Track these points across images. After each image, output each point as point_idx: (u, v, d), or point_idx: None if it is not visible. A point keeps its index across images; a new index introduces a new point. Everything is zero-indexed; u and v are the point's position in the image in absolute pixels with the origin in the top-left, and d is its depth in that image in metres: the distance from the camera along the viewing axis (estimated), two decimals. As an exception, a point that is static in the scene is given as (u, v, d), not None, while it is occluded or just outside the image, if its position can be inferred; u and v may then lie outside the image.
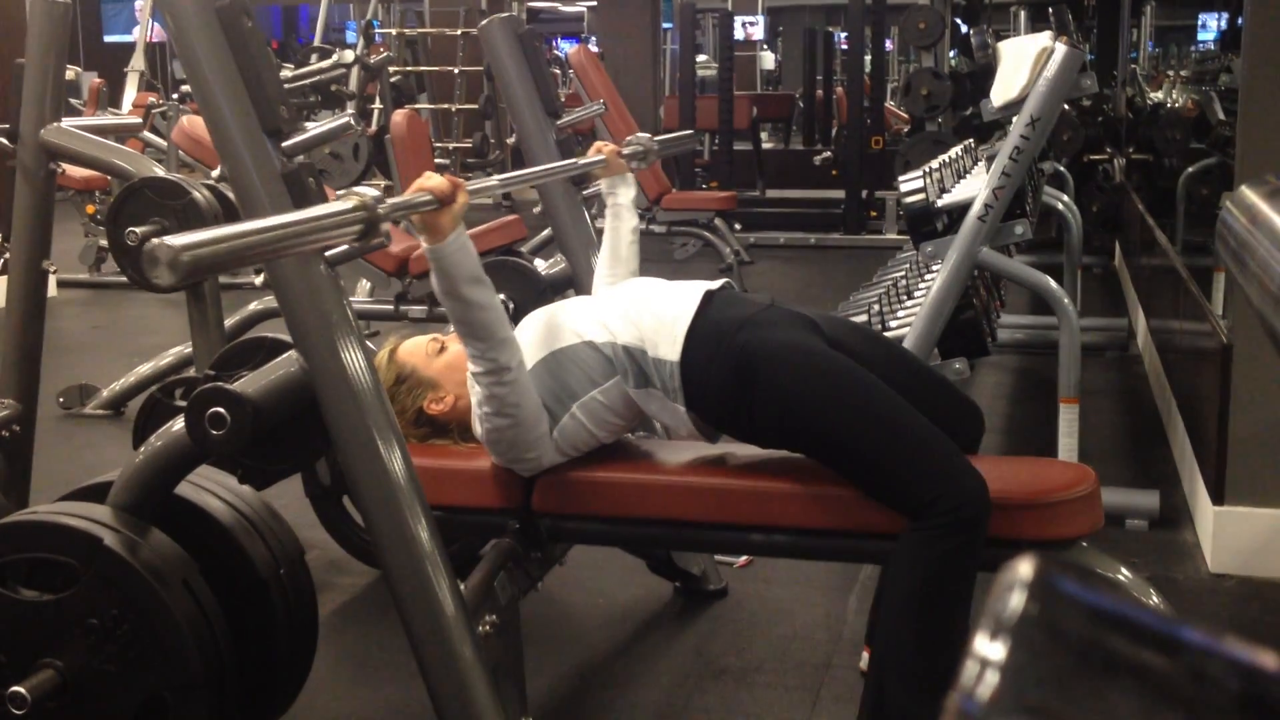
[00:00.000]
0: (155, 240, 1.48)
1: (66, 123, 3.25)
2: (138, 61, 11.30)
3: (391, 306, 5.25)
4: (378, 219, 1.77)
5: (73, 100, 10.53)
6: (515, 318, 2.45)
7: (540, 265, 4.75)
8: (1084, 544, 2.19)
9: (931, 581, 2.05)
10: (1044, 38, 3.74)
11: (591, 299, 2.42)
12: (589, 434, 2.31)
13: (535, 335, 2.32)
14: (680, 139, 3.57)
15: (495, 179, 2.33)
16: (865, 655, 2.71)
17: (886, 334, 3.32)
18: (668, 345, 2.24)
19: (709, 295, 2.32)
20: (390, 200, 1.85)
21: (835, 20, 18.59)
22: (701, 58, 15.65)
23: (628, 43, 11.90)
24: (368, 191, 1.78)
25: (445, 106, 11.59)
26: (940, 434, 2.12)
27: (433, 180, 2.03)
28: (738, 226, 8.77)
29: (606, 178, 2.81)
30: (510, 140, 11.26)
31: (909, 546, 2.07)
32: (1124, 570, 2.23)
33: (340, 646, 2.90)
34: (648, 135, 2.87)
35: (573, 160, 2.68)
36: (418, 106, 11.03)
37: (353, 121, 2.24)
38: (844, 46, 13.15)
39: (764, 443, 2.25)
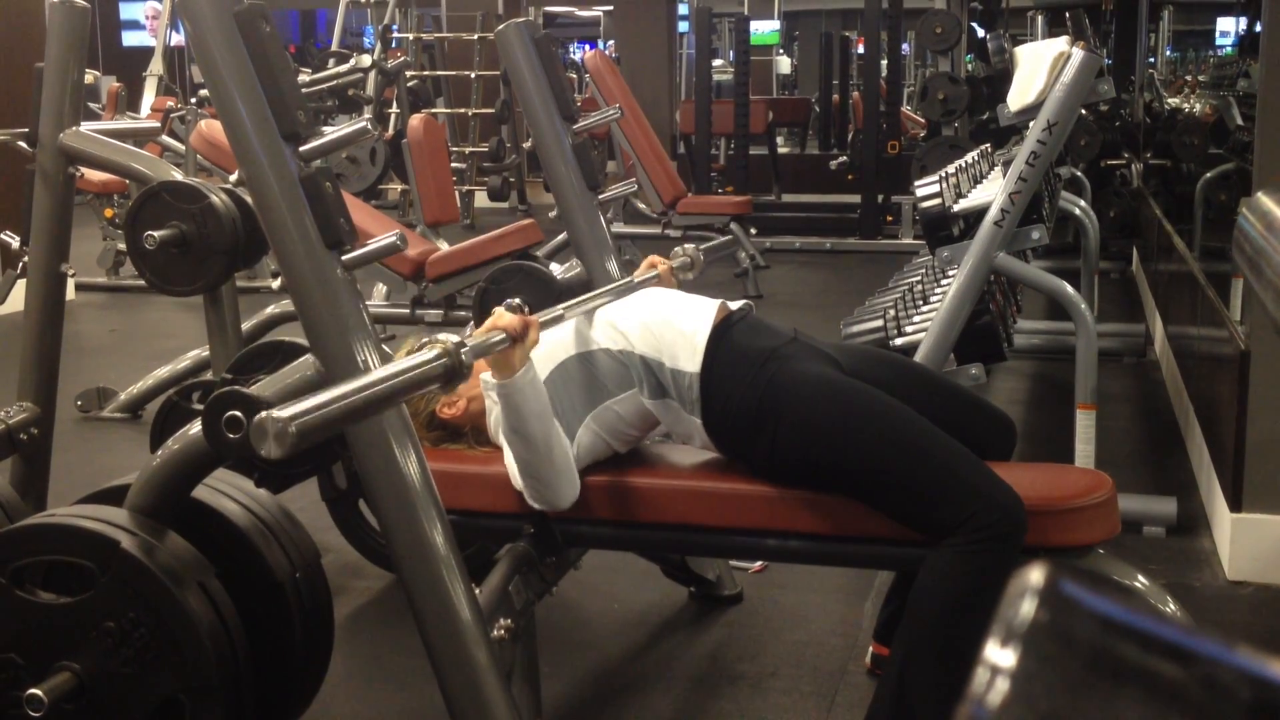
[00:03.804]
0: (263, 414, 1.52)
1: (85, 127, 3.27)
2: (156, 66, 11.35)
3: (408, 310, 5.27)
4: (460, 366, 1.82)
5: (91, 104, 10.58)
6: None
7: (555, 270, 4.76)
8: (1100, 550, 2.18)
9: (964, 596, 2.04)
10: (1061, 42, 3.73)
11: (608, 305, 2.43)
12: (605, 445, 2.32)
13: (552, 340, 2.33)
14: (725, 244, 3.64)
15: (560, 307, 2.33)
16: (871, 650, 2.72)
17: (902, 338, 3.32)
18: (687, 357, 2.25)
19: (728, 313, 2.33)
20: (469, 344, 1.89)
21: (851, 24, 18.56)
22: (717, 62, 15.64)
23: (644, 47, 11.92)
24: (449, 339, 1.83)
25: (462, 111, 11.61)
26: (969, 453, 2.12)
27: (505, 319, 2.10)
28: (753, 231, 8.76)
29: None
30: (526, 145, 11.28)
31: (943, 561, 2.06)
32: (1141, 577, 2.22)
33: (356, 650, 2.91)
34: (693, 246, 2.91)
35: (629, 279, 2.68)
36: (434, 111, 11.06)
37: (370, 126, 2.25)
38: (860, 51, 13.14)
39: (778, 476, 2.23)
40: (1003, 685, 0.40)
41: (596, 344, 2.31)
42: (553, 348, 2.32)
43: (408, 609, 2.10)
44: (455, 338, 1.85)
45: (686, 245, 2.89)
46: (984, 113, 8.58)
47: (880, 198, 9.54)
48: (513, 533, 2.37)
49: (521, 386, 2.13)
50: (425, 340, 1.82)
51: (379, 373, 1.73)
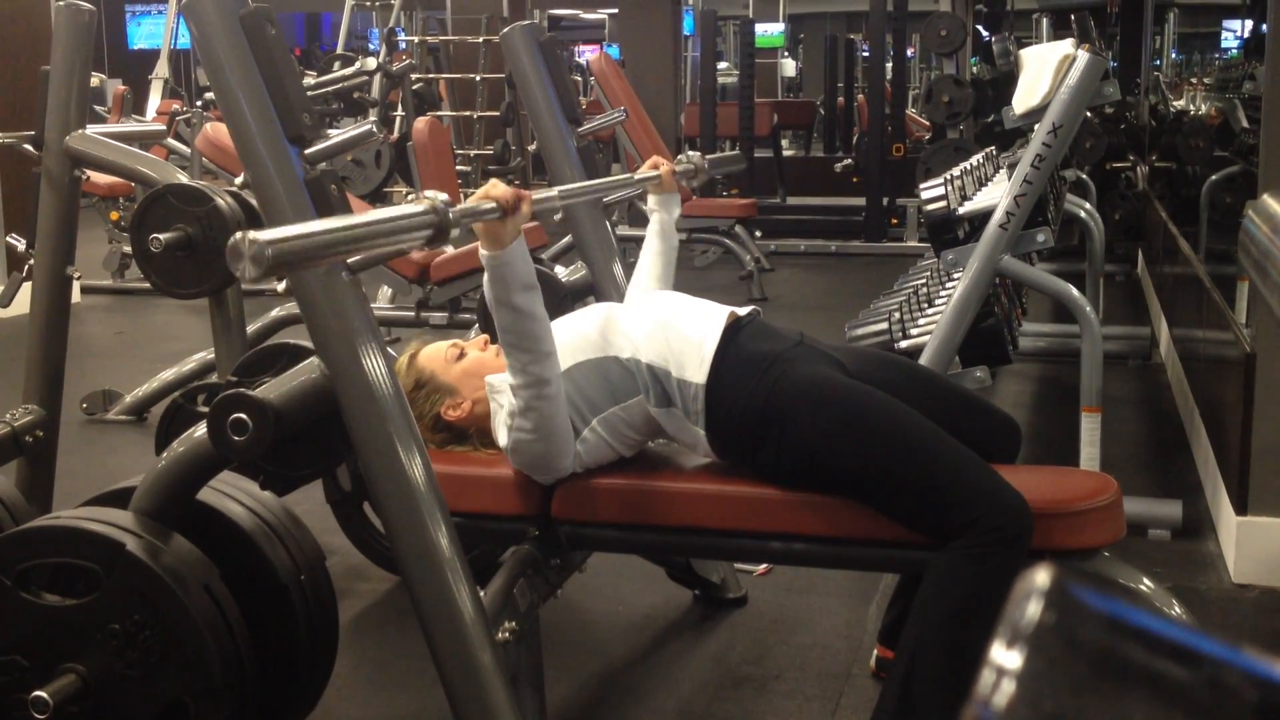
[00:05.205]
0: (240, 234, 1.50)
1: (91, 130, 3.27)
2: (162, 69, 11.36)
3: (413, 313, 5.27)
4: (448, 224, 1.79)
5: (97, 107, 10.60)
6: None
7: (561, 272, 4.76)
8: (1106, 554, 2.18)
9: (969, 599, 2.03)
10: (1066, 45, 3.73)
11: (615, 309, 2.42)
12: (609, 448, 2.32)
13: (578, 336, 2.33)
14: (730, 159, 3.60)
15: (555, 190, 2.31)
16: (876, 653, 2.71)
17: (907, 341, 3.32)
18: (694, 367, 2.24)
19: (736, 320, 2.32)
20: (459, 206, 1.87)
21: (856, 27, 18.57)
22: (722, 65, 15.64)
23: (649, 50, 11.91)
24: (438, 196, 1.80)
25: (467, 113, 11.61)
26: (975, 456, 2.12)
27: (498, 189, 2.04)
28: (758, 234, 8.77)
29: (657, 194, 2.80)
30: (531, 147, 11.28)
31: (948, 564, 2.05)
32: (1146, 580, 2.22)
33: (360, 652, 2.91)
34: (699, 154, 2.86)
35: (629, 175, 2.67)
36: (439, 114, 11.06)
37: (375, 129, 2.25)
38: (865, 53, 13.13)
39: (784, 480, 2.22)
40: (1009, 686, 0.40)
41: (607, 351, 2.30)
42: (578, 343, 2.31)
43: (412, 612, 2.10)
44: (445, 196, 1.82)
45: (691, 151, 2.87)
46: (989, 115, 8.58)
47: (885, 200, 9.54)
48: (517, 535, 2.37)
49: (511, 260, 2.09)
50: (412, 197, 1.81)
51: (366, 216, 1.73)
